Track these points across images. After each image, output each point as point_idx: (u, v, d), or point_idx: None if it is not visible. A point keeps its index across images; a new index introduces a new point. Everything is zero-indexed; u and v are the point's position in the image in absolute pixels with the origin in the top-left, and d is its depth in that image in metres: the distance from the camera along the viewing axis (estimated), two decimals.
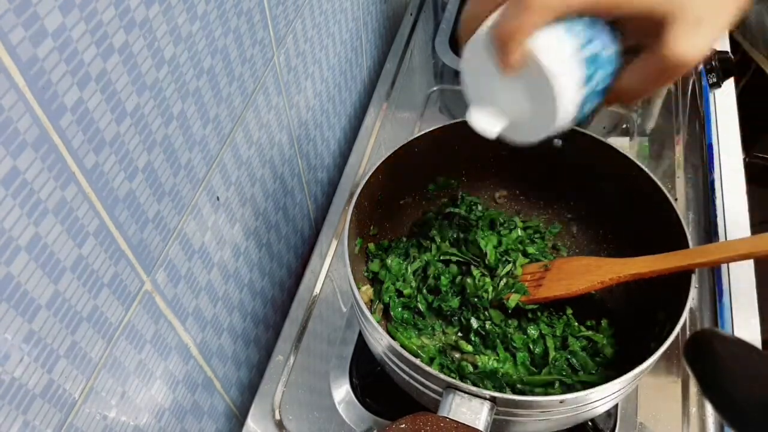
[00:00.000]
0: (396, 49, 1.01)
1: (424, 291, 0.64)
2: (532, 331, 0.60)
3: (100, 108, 0.37)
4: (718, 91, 0.87)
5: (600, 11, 0.35)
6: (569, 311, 0.62)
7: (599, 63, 0.36)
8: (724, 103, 0.88)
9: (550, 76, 0.34)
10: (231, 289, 0.62)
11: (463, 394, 0.46)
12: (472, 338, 0.61)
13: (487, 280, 0.63)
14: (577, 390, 0.54)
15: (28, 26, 0.31)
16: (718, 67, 0.84)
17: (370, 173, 0.59)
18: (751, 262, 0.71)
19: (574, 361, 0.58)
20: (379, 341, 0.51)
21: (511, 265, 0.64)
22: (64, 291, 0.37)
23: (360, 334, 0.69)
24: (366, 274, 0.65)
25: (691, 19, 0.34)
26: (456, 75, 0.95)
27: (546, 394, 0.56)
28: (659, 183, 0.57)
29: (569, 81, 0.35)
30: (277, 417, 0.63)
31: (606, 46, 0.36)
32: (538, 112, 0.36)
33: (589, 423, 0.61)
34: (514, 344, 0.60)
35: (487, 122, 0.39)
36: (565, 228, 0.71)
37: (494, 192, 0.73)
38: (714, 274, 0.72)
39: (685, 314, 0.49)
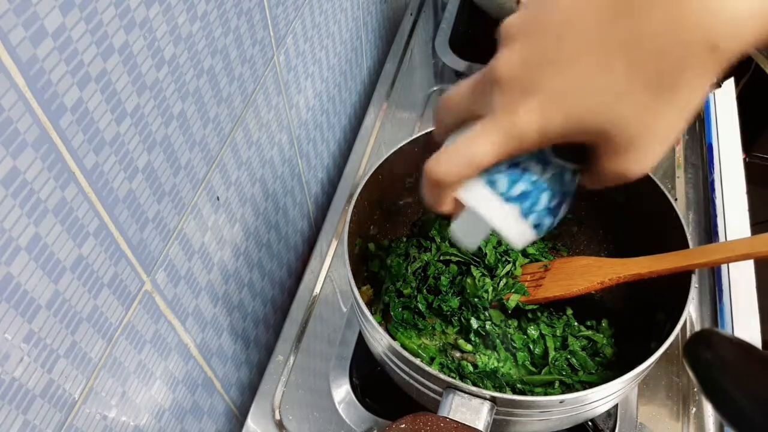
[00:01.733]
0: (396, 49, 1.01)
1: (424, 291, 0.64)
2: (532, 331, 0.60)
3: (100, 108, 0.37)
4: (718, 91, 0.87)
5: (517, 153, 0.33)
6: (569, 311, 0.62)
7: (536, 192, 0.36)
8: (724, 102, 0.88)
9: (486, 219, 0.36)
10: (231, 289, 0.62)
11: (463, 394, 0.46)
12: (472, 338, 0.61)
13: (487, 280, 0.63)
14: (577, 390, 0.54)
15: (28, 26, 0.31)
16: None
17: (370, 173, 0.59)
18: (751, 262, 0.71)
19: (574, 361, 0.58)
20: (379, 341, 0.51)
21: (510, 265, 0.64)
22: (64, 291, 0.37)
23: (360, 334, 0.69)
24: (366, 274, 0.65)
25: (620, 142, 0.31)
26: (456, 75, 0.95)
27: (546, 394, 0.56)
28: (659, 183, 0.57)
29: (504, 220, 0.36)
30: (277, 417, 0.63)
31: (541, 174, 0.36)
32: (501, 235, 0.38)
33: (589, 423, 0.61)
34: (514, 344, 0.60)
35: (465, 237, 0.42)
36: (565, 228, 0.71)
37: None
38: (714, 274, 0.72)
39: (685, 314, 0.49)
